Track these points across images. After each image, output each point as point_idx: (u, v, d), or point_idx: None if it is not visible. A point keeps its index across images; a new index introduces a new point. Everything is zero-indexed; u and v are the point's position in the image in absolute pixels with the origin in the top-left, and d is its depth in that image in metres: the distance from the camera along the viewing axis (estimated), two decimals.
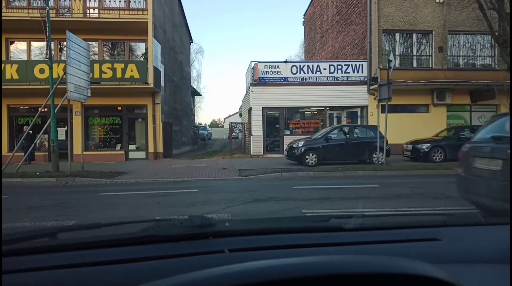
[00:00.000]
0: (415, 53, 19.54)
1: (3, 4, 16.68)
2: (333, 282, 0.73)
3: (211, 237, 1.28)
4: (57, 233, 1.52)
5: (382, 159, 13.56)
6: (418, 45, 19.50)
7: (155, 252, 1.17)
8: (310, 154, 13.99)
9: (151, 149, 18.30)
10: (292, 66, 19.29)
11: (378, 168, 12.56)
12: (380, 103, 13.58)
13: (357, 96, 18.90)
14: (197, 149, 28.69)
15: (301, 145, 14.17)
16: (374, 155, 14.18)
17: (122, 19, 17.08)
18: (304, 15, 31.24)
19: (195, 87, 38.48)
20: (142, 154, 18.42)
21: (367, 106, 19.00)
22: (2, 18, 16.19)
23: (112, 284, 1.02)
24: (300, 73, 19.07)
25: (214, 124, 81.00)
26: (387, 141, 13.45)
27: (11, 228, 5.18)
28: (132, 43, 18.91)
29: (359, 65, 19.07)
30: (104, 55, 18.78)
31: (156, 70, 17.58)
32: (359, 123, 18.83)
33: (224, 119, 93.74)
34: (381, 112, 13.62)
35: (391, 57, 12.94)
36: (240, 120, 31.81)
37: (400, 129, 17.07)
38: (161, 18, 19.78)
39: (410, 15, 19.01)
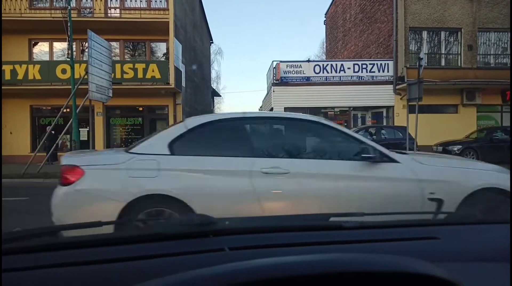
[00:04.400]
0: (443, 52, 18.85)
1: (26, 5, 16.78)
2: (333, 280, 0.73)
3: (211, 236, 1.27)
4: (58, 231, 1.50)
5: None
6: (446, 43, 18.79)
7: (156, 250, 1.16)
8: None
9: None
10: (315, 65, 18.82)
11: None
12: (409, 103, 13.01)
13: (383, 96, 18.30)
14: None
15: None
16: None
17: (143, 19, 16.95)
18: (325, 14, 30.73)
19: (214, 88, 38.37)
20: None
21: (393, 107, 18.37)
22: (25, 19, 16.33)
23: (113, 282, 1.02)
24: (323, 72, 18.59)
25: None
26: (416, 143, 12.87)
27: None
28: (153, 43, 18.79)
29: (385, 64, 18.48)
30: (125, 55, 18.71)
31: (177, 70, 17.40)
32: (384, 124, 18.22)
33: None
34: (408, 112, 13.13)
35: (422, 55, 12.38)
36: None
37: (428, 130, 16.42)
38: (182, 18, 19.60)
39: (438, 12, 18.33)
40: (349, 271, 0.75)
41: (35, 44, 18.30)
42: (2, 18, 16.12)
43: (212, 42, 31.16)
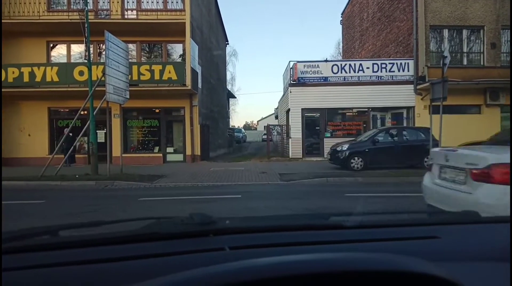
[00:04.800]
0: (465, 50, 18.30)
1: (44, 8, 16.88)
2: (333, 279, 0.73)
3: (211, 235, 1.26)
4: (59, 230, 1.50)
5: None
6: (468, 41, 18.25)
7: (156, 249, 1.16)
8: (356, 158, 13.17)
9: (188, 152, 18.00)
10: (333, 65, 18.48)
11: None
12: (432, 103, 12.58)
13: (403, 96, 17.85)
14: (233, 152, 28.31)
15: (345, 148, 13.37)
16: (425, 159, 13.16)
17: (160, 20, 16.88)
18: (341, 14, 30.33)
19: (229, 89, 38.27)
20: (179, 157, 18.15)
21: (413, 107, 17.91)
22: (43, 21, 16.42)
23: (113, 281, 1.00)
24: (341, 72, 18.24)
25: (247, 127, 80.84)
26: (440, 145, 12.43)
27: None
28: (170, 45, 18.72)
29: (405, 63, 18.03)
30: (142, 57, 18.68)
31: (193, 72, 17.28)
32: (404, 125, 17.76)
33: (258, 121, 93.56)
34: (432, 113, 12.69)
35: (446, 53, 11.95)
36: (276, 122, 31.24)
37: (451, 131, 15.87)
38: (198, 19, 19.50)
39: (459, 10, 17.81)
40: (349, 270, 0.75)
41: (53, 47, 18.41)
42: (21, 21, 16.30)
43: (228, 43, 31.05)
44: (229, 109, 37.24)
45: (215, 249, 1.18)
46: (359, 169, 13.00)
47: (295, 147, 18.10)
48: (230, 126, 41.81)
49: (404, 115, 18.37)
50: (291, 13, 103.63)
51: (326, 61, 19.11)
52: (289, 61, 18.57)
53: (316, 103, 18.03)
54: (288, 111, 19.52)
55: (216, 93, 25.49)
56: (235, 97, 42.01)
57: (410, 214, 2.48)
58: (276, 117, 32.43)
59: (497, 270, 1.14)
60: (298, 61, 18.05)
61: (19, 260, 1.08)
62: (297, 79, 18.03)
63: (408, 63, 17.99)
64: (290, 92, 18.15)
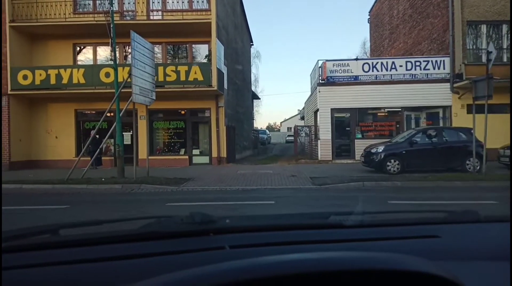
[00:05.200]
0: (504, 47, 17.25)
1: (71, 10, 16.84)
2: (333, 278, 0.73)
3: (211, 234, 1.26)
4: (59, 229, 1.46)
5: (478, 166, 11.72)
6: (509, 37, 17.18)
7: (156, 248, 1.16)
8: (392, 161, 12.44)
9: (214, 154, 17.63)
10: (364, 63, 17.73)
11: (478, 178, 10.71)
12: (475, 102, 11.75)
13: (438, 95, 16.94)
14: (258, 154, 27.83)
15: (381, 150, 12.65)
16: (467, 162, 12.33)
17: (185, 20, 16.58)
18: (369, 12, 29.46)
19: (253, 90, 37.83)
20: (205, 159, 17.80)
21: (450, 106, 16.97)
22: (70, 23, 16.38)
23: (113, 280, 1.00)
24: (372, 71, 17.48)
25: (270, 128, 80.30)
26: (485, 146, 11.59)
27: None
28: (195, 46, 18.39)
29: (440, 61, 17.13)
30: (167, 59, 18.43)
31: (219, 72, 16.90)
32: (441, 125, 16.84)
33: (281, 123, 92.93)
34: (467, 113, 11.91)
35: (491, 48, 11.13)
36: (301, 123, 30.58)
37: (492, 132, 14.92)
38: (223, 19, 19.13)
39: (498, 4, 16.80)
40: (348, 269, 0.75)
41: (80, 49, 18.37)
42: (48, 23, 16.31)
43: (252, 44, 30.60)
44: (253, 110, 36.80)
45: (216, 248, 1.18)
46: (396, 172, 12.28)
47: (324, 149, 17.43)
48: (254, 127, 41.42)
49: (440, 115, 17.44)
50: (313, 14, 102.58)
51: (356, 59, 18.36)
52: (318, 60, 17.97)
53: (346, 103, 17.33)
54: (316, 111, 18.89)
55: (241, 94, 25.07)
56: (259, 98, 41.50)
57: (410, 213, 2.51)
58: (302, 118, 31.73)
59: (497, 270, 1.13)
60: (327, 60, 17.40)
61: (19, 258, 1.08)
62: (326, 79, 17.38)
63: (443, 60, 17.08)
64: (319, 91, 17.50)
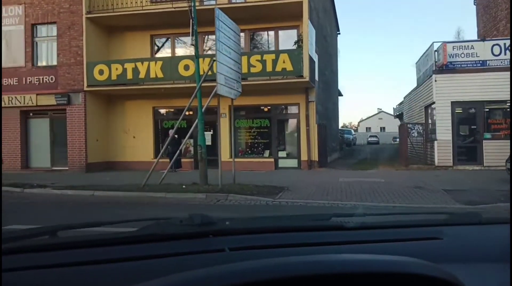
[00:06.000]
0: None
1: None
2: (334, 281, 0.72)
3: (211, 236, 1.24)
4: (58, 231, 1.38)
5: None
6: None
7: (156, 250, 1.14)
8: None
9: (304, 157, 15.21)
10: (494, 45, 14.14)
11: None
12: None
13: None
14: (345, 156, 24.89)
15: None
16: None
17: (272, 1, 14.32)
18: None
19: None
20: (293, 162, 15.45)
21: None
22: (147, 12, 15.00)
23: (112, 282, 0.99)
24: (505, 53, 13.87)
25: (346, 128, 76.38)
26: None
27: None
28: (282, 32, 16.11)
29: None
30: (251, 48, 16.38)
31: (311, 61, 14.46)
32: None
33: (358, 123, 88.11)
34: None
35: None
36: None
37: None
38: None
39: None
40: (349, 272, 0.74)
41: (158, 41, 17.03)
42: (124, 13, 15.09)
43: (339, 33, 27.60)
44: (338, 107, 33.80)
45: (215, 250, 1.16)
46: None
47: (442, 152, 14.10)
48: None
49: None
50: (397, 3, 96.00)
51: (483, 39, 14.80)
52: (433, 43, 14.75)
53: (470, 94, 13.91)
54: (427, 106, 15.61)
55: (330, 88, 22.32)
56: (342, 95, 38.30)
57: (412, 215, 2.57)
58: (397, 116, 28.16)
59: (498, 271, 1.11)
60: (447, 42, 14.07)
61: (18, 260, 1.06)
62: (445, 64, 14.08)
63: None
64: (435, 81, 14.21)
